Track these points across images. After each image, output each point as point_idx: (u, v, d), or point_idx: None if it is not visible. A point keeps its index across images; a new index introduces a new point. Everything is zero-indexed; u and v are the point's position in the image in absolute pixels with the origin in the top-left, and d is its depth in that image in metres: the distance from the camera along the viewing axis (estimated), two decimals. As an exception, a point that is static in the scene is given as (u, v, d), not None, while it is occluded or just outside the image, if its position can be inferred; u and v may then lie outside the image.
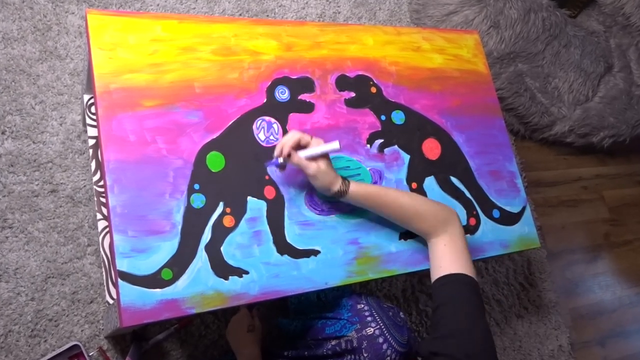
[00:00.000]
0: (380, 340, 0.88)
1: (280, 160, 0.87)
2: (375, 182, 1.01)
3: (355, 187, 0.89)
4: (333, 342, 0.92)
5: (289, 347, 1.02)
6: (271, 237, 0.89)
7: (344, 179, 0.89)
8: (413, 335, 1.02)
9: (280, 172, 0.92)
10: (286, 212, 0.92)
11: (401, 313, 0.96)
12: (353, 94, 1.05)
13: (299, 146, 0.87)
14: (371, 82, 1.08)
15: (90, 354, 1.06)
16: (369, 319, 0.91)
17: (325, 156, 0.87)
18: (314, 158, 0.86)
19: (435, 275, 0.87)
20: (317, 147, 0.86)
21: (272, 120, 0.96)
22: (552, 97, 1.73)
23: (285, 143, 0.86)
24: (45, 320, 1.06)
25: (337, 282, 0.92)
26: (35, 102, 1.17)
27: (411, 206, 0.91)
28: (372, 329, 0.89)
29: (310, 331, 1.00)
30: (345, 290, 1.03)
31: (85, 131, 1.17)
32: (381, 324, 0.90)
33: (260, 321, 1.06)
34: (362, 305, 0.94)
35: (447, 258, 0.87)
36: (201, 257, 0.84)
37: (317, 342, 0.97)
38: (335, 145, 0.85)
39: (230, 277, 0.84)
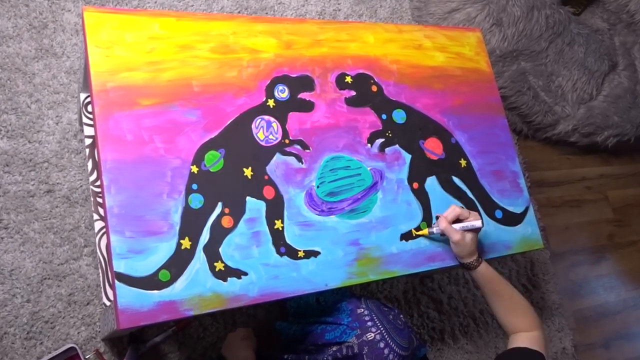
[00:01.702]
0: (382, 345, 0.87)
1: (435, 230, 1.00)
2: (376, 182, 1.00)
3: (484, 268, 0.98)
4: (334, 348, 0.91)
5: (288, 351, 1.01)
6: (270, 238, 0.88)
7: (479, 256, 0.99)
8: (415, 336, 1.01)
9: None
10: (286, 213, 0.91)
11: (401, 315, 0.95)
12: (353, 93, 1.04)
13: (458, 219, 0.98)
14: (372, 81, 1.07)
15: (87, 357, 1.05)
16: (369, 323, 0.90)
17: (474, 231, 0.98)
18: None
19: (512, 345, 0.93)
20: (469, 222, 0.97)
21: (272, 119, 0.95)
22: (556, 96, 1.72)
23: (446, 216, 0.97)
24: (41, 322, 1.04)
25: (337, 283, 0.90)
26: (31, 101, 1.16)
27: (520, 304, 0.98)
28: (372, 334, 0.89)
29: (310, 336, 0.99)
30: (344, 293, 1.02)
31: (82, 130, 1.16)
32: (382, 329, 0.89)
33: (255, 336, 1.08)
34: (362, 310, 0.93)
35: (527, 342, 0.92)
36: (199, 258, 0.83)
37: (317, 348, 0.96)
38: (477, 224, 0.97)
39: (228, 278, 0.83)
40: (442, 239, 1.01)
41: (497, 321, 1.00)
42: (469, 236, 0.97)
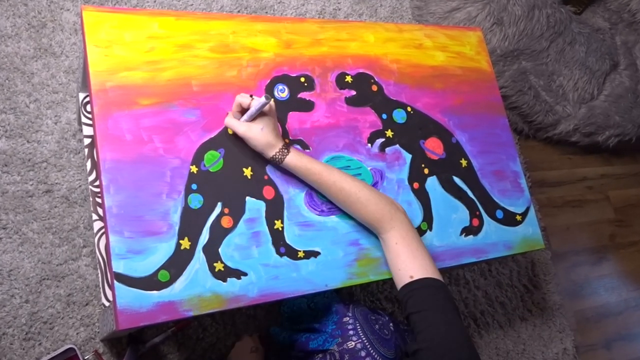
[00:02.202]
0: (363, 354, 0.87)
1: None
2: (376, 182, 1.00)
3: (293, 159, 0.85)
4: (320, 356, 0.91)
5: (281, 356, 1.02)
6: (270, 238, 0.88)
7: (286, 145, 0.84)
8: (411, 337, 1.00)
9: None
10: (285, 213, 0.90)
11: (391, 325, 0.94)
12: (354, 92, 1.04)
13: (245, 111, 0.84)
14: (372, 80, 1.07)
15: (86, 358, 1.05)
16: (351, 332, 0.90)
17: (266, 117, 0.83)
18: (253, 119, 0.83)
19: (400, 281, 0.82)
20: (252, 107, 0.82)
21: (271, 118, 0.94)
22: (557, 96, 1.71)
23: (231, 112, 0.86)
24: (39, 322, 1.04)
25: (337, 283, 0.90)
26: (29, 101, 1.15)
27: (353, 192, 0.85)
28: (353, 343, 0.88)
29: (296, 344, 1.00)
30: (334, 298, 1.02)
31: (81, 130, 1.16)
32: (364, 338, 0.89)
33: (262, 345, 1.06)
34: (347, 319, 0.92)
35: (403, 259, 0.82)
36: (199, 259, 0.82)
37: (305, 354, 0.96)
38: (261, 99, 0.80)
39: (228, 278, 0.83)
40: (443, 244, 1.00)
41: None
42: (256, 127, 0.83)
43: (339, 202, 0.89)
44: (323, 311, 0.99)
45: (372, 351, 0.87)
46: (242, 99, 0.84)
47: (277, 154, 0.85)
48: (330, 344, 0.90)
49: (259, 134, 0.83)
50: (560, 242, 1.75)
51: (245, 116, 0.84)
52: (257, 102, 0.81)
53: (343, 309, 0.96)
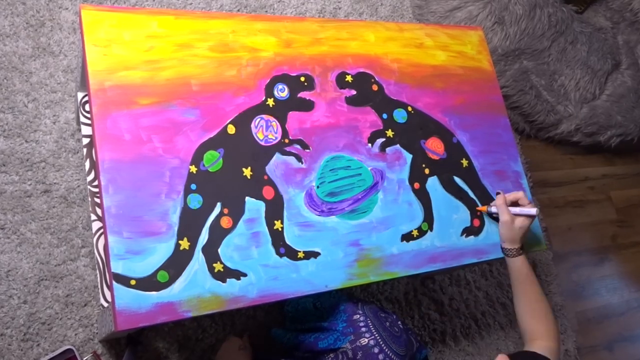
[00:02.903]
0: (376, 350, 0.88)
1: (492, 208, 1.05)
2: (376, 183, 0.99)
3: (520, 263, 0.99)
4: (331, 355, 0.91)
5: (286, 356, 1.01)
6: (270, 239, 0.87)
7: (522, 248, 1.00)
8: (416, 338, 1.00)
9: None
10: (285, 213, 0.90)
11: (399, 322, 0.95)
12: (354, 92, 1.03)
13: (516, 203, 1.01)
14: (372, 80, 1.06)
15: (85, 359, 1.04)
16: (364, 329, 0.90)
17: (527, 223, 0.99)
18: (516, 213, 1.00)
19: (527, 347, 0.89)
20: (525, 209, 0.99)
21: (271, 118, 0.94)
22: (558, 95, 1.70)
23: (506, 195, 1.01)
24: (38, 323, 1.03)
25: (337, 284, 0.89)
26: (27, 100, 1.15)
27: (544, 307, 0.96)
28: (366, 339, 0.89)
29: (303, 345, 0.99)
30: (341, 297, 1.02)
31: (79, 130, 1.15)
32: (376, 335, 0.89)
33: (250, 345, 1.06)
34: (358, 316, 0.93)
35: (539, 349, 0.89)
36: (198, 259, 0.82)
37: (313, 355, 0.95)
38: (533, 210, 0.99)
39: (227, 279, 0.82)
40: (444, 244, 1.00)
41: (518, 325, 0.98)
42: (519, 222, 0.98)
43: (525, 308, 0.97)
44: (329, 310, 0.99)
45: (384, 348, 0.88)
46: (524, 197, 1.01)
47: (513, 250, 1.00)
48: (342, 342, 0.91)
49: (514, 229, 0.99)
50: (562, 242, 1.75)
51: (512, 208, 1.00)
52: (529, 210, 0.99)
53: (352, 307, 0.96)
